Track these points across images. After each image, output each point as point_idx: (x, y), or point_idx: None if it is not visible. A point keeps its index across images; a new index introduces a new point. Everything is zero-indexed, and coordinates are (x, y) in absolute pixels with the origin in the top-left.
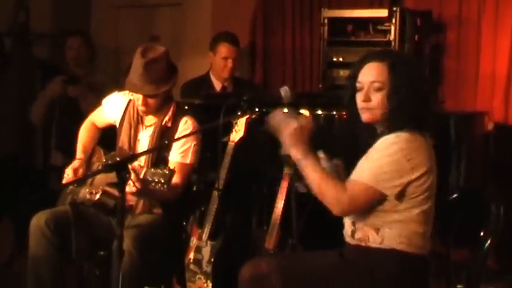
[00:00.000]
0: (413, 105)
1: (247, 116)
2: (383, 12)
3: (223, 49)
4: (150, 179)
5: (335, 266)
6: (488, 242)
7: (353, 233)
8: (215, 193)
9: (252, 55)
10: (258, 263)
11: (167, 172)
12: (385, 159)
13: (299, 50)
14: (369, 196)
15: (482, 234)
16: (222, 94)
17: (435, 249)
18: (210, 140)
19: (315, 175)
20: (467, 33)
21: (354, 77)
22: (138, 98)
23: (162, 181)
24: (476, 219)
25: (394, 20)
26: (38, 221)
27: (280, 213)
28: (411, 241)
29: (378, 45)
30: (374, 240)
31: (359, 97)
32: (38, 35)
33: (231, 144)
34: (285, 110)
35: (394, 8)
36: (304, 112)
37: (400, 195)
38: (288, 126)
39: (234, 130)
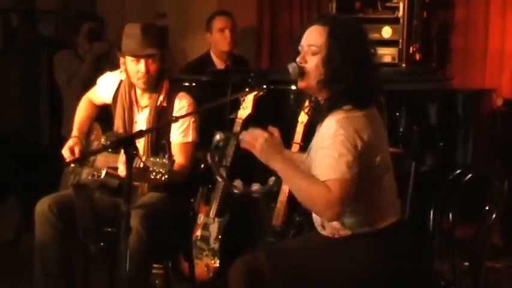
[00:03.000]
0: (350, 75)
1: (255, 93)
2: None
3: (218, 22)
4: (151, 169)
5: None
6: (493, 217)
7: (322, 225)
8: (222, 169)
9: (259, 36)
10: (249, 259)
11: (167, 162)
12: (335, 148)
13: None
14: (349, 187)
15: (486, 209)
16: (229, 71)
17: (442, 227)
18: (217, 117)
19: (298, 183)
20: (476, 9)
21: (297, 41)
22: (138, 69)
23: (163, 171)
24: (481, 196)
25: None
26: (42, 206)
27: (287, 190)
28: (377, 218)
29: (386, 23)
30: (344, 231)
31: (297, 60)
32: (44, 12)
33: (238, 121)
34: (250, 130)
35: None
36: (271, 127)
37: (358, 176)
38: (258, 141)
39: (241, 107)
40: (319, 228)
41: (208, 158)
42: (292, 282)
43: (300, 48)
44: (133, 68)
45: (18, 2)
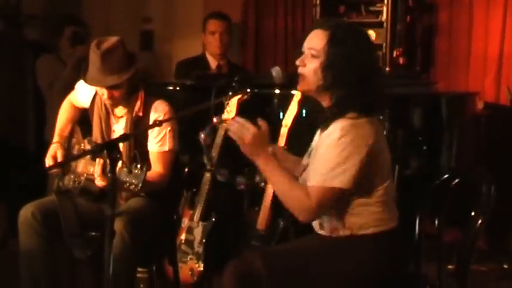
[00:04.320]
0: (351, 80)
1: (239, 97)
2: None
3: (211, 25)
4: (123, 180)
5: (318, 255)
6: (479, 222)
7: (321, 224)
8: (207, 174)
9: (244, 37)
10: (243, 261)
11: (139, 173)
12: (333, 156)
13: (291, 32)
14: (333, 197)
15: (472, 214)
16: (214, 75)
17: (426, 230)
18: (201, 121)
19: (279, 183)
20: (459, 13)
21: (301, 43)
22: (103, 92)
23: (135, 182)
24: (467, 200)
25: (386, 1)
26: (25, 214)
27: (271, 195)
28: (377, 222)
29: (370, 26)
30: (343, 231)
31: (297, 62)
32: (29, 17)
33: (222, 125)
34: (239, 119)
35: None
36: (261, 120)
37: (357, 184)
38: (246, 135)
39: (225, 111)
40: (317, 228)
41: (201, 138)
42: (287, 283)
43: (302, 50)
44: (99, 90)
45: (3, 7)
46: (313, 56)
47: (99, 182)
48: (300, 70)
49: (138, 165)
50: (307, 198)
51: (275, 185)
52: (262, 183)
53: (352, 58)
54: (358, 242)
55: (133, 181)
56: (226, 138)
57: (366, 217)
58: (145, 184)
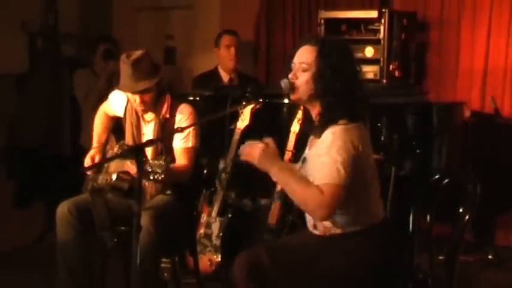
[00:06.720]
0: (339, 90)
1: (252, 106)
2: (373, 14)
3: (225, 39)
4: (149, 170)
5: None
6: (466, 217)
7: (314, 225)
8: (223, 175)
9: (256, 53)
10: (251, 253)
11: (163, 163)
12: (328, 157)
13: None
14: (341, 193)
15: (460, 210)
16: (230, 86)
17: (420, 225)
18: (218, 128)
19: (294, 186)
20: (448, 32)
21: (290, 58)
22: (135, 98)
23: (159, 171)
24: (455, 198)
25: (383, 21)
26: (62, 209)
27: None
28: (365, 218)
29: (369, 43)
30: (335, 230)
31: (289, 76)
32: (66, 35)
33: (237, 131)
34: (249, 142)
35: (383, 10)
36: (266, 138)
37: (351, 181)
38: (255, 152)
39: (240, 119)
40: (311, 229)
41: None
42: (289, 274)
43: (292, 65)
44: (131, 97)
45: (42, 27)
46: (304, 70)
47: (133, 170)
48: (293, 82)
49: (163, 157)
50: (322, 194)
51: (290, 189)
52: (269, 204)
53: (339, 69)
54: (350, 238)
55: (158, 170)
56: (241, 143)
57: (355, 215)
58: (169, 174)
